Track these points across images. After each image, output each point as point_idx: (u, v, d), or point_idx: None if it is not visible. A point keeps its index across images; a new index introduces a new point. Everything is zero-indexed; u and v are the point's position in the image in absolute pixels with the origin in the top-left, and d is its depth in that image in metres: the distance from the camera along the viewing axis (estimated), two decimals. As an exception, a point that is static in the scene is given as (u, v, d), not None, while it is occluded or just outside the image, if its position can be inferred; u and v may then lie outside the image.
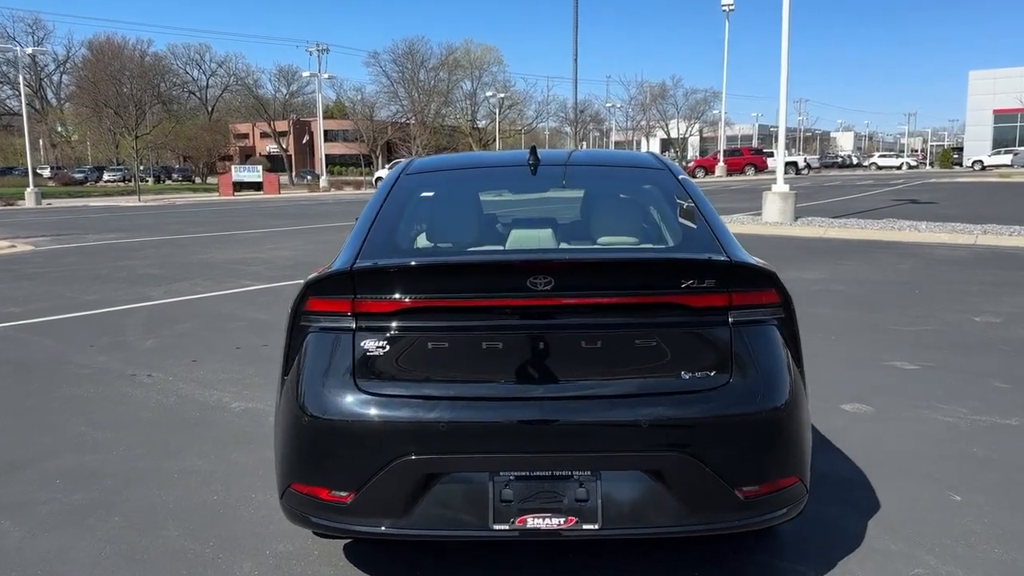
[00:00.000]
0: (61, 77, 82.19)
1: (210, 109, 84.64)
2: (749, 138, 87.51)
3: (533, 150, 3.68)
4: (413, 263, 2.78)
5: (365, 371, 2.67)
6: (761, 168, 54.84)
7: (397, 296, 2.66)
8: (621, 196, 3.82)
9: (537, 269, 2.62)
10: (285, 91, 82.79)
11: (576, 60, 37.95)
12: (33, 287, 11.05)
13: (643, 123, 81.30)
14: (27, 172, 41.26)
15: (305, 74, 64.13)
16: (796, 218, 18.04)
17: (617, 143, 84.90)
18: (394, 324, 2.67)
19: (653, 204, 3.61)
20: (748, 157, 57.61)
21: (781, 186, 18.60)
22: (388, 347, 2.66)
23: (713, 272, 2.68)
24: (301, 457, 2.72)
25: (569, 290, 2.63)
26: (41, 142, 75.67)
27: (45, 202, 38.46)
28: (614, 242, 3.37)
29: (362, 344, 2.67)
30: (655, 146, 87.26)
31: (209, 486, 4.01)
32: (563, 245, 3.57)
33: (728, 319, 2.67)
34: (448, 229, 3.44)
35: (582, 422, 2.56)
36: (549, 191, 3.83)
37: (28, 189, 38.21)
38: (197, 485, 4.05)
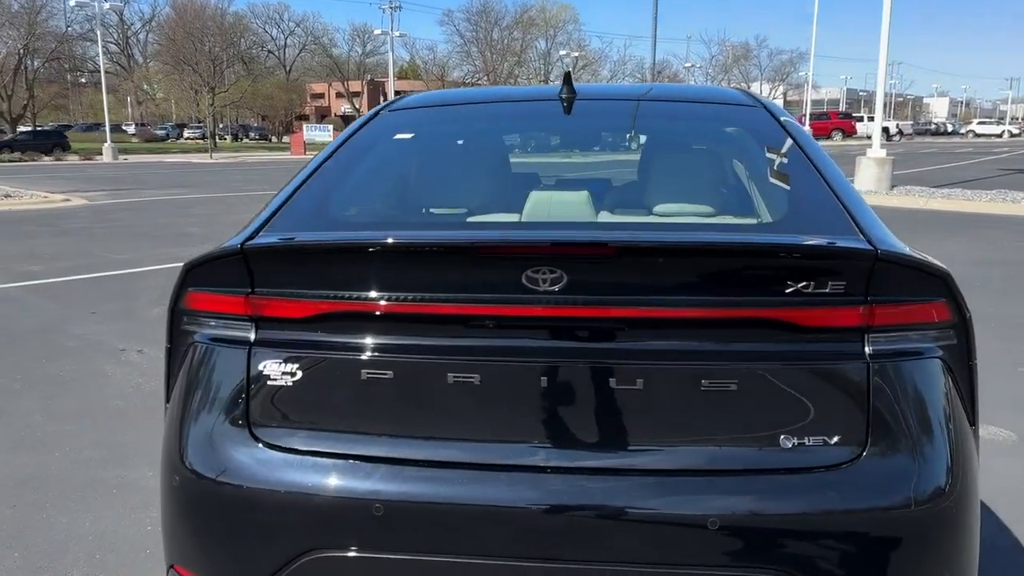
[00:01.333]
0: (147, 35, 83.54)
1: (288, 68, 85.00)
2: (836, 102, 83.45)
3: (567, 79, 2.57)
4: (339, 240, 1.77)
5: (264, 410, 1.70)
6: (849, 133, 52.10)
7: (314, 294, 1.67)
8: (693, 146, 2.71)
9: (537, 256, 1.58)
10: (360, 51, 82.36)
11: (656, 17, 35.97)
12: (67, 243, 10.57)
13: (724, 84, 78.05)
14: (113, 128, 41.88)
15: (377, 32, 63.38)
16: (892, 187, 16.38)
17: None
18: (309, 338, 1.68)
19: (741, 157, 2.47)
20: (836, 121, 54.93)
21: (877, 151, 16.91)
22: (300, 375, 1.68)
23: (842, 267, 1.60)
24: (179, 530, 1.79)
25: (589, 293, 1.59)
26: (129, 99, 77.31)
27: (122, 157, 38.92)
28: (676, 212, 2.29)
29: (260, 367, 1.70)
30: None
31: (149, 511, 3.14)
32: (604, 217, 2.47)
33: (865, 348, 1.61)
34: (426, 189, 2.40)
35: (611, 514, 1.56)
36: (586, 139, 2.73)
37: (105, 144, 38.77)
38: (135, 508, 3.18)
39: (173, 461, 1.77)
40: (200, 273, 1.75)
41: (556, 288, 1.58)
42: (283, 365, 1.68)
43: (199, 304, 1.77)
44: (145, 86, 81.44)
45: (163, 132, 68.51)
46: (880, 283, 1.60)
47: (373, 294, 1.65)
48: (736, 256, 1.63)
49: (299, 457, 1.67)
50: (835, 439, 1.60)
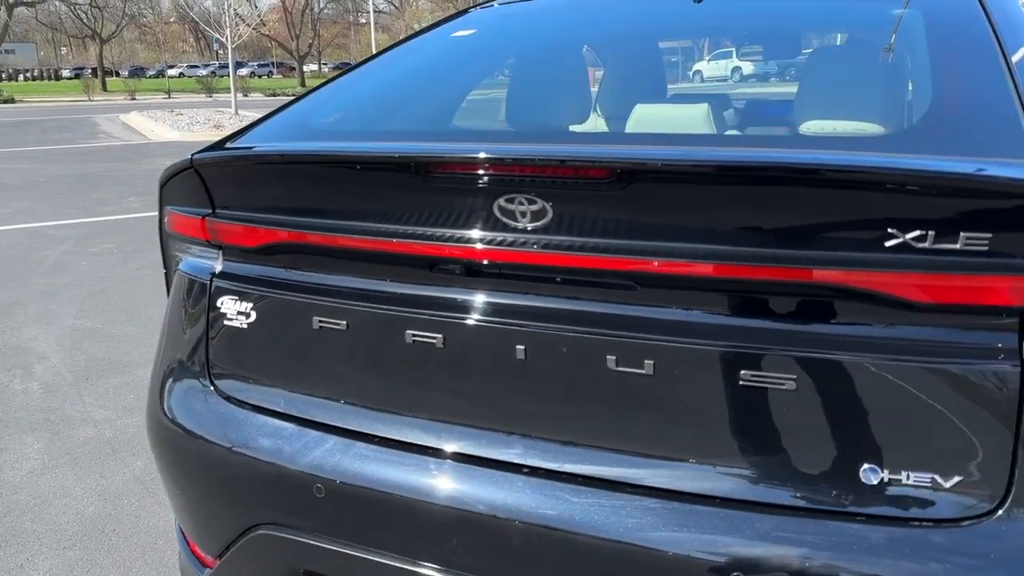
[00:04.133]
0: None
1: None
2: None
3: None
4: (281, 149, 1.44)
5: (220, 356, 1.48)
6: None
7: (264, 219, 1.37)
8: (850, 39, 2.04)
9: (506, 179, 1.16)
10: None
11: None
12: None
13: None
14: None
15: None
16: None
17: None
18: (261, 273, 1.40)
19: (907, 49, 1.77)
20: None
21: None
22: (253, 317, 1.42)
23: (981, 209, 1.03)
24: (164, 478, 1.63)
25: (579, 234, 1.15)
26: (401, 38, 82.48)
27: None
28: (815, 130, 1.71)
29: (219, 305, 1.46)
30: None
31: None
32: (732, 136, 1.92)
33: (1020, 343, 1.03)
34: (476, 100, 1.98)
35: (592, 540, 1.17)
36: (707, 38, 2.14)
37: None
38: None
39: (151, 394, 1.60)
40: (171, 190, 1.53)
41: (535, 225, 1.15)
42: (238, 303, 1.43)
43: (175, 226, 1.57)
44: (415, 24, 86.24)
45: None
46: None
47: (322, 222, 1.33)
48: (794, 185, 1.08)
49: (250, 414, 1.42)
50: (953, 480, 1.05)
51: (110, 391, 3.74)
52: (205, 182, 1.44)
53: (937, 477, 1.06)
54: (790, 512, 1.10)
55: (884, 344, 1.07)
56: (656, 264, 1.13)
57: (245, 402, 1.45)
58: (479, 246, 1.22)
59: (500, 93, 2.24)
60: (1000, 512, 1.04)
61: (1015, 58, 1.32)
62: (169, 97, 36.91)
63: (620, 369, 1.17)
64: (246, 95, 29.76)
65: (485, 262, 1.23)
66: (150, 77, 62.87)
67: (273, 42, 61.71)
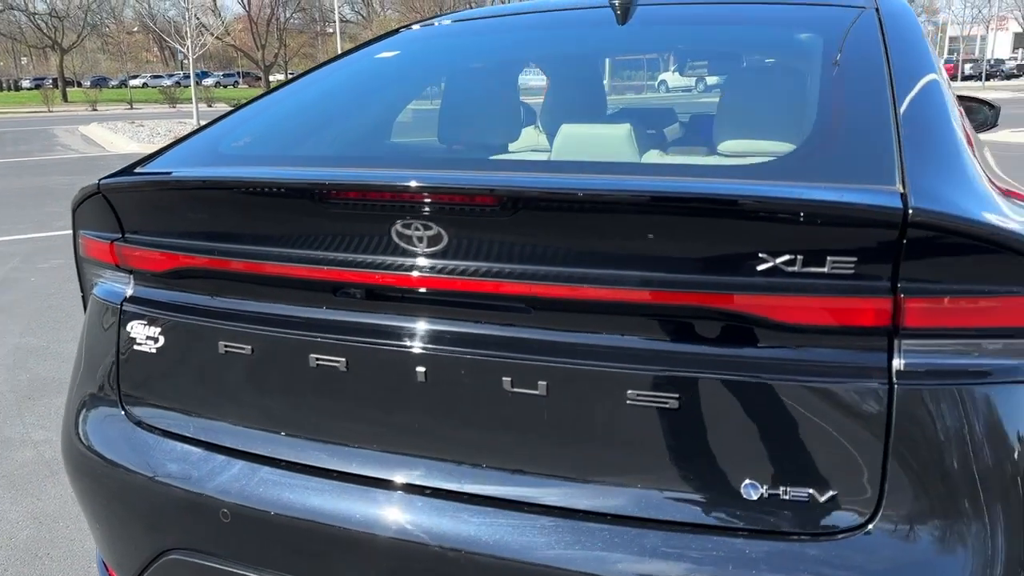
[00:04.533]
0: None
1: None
2: None
3: None
4: (182, 175, 1.46)
5: (131, 381, 1.48)
6: None
7: (170, 243, 1.38)
8: (768, 61, 2.09)
9: (401, 205, 1.18)
10: None
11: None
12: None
13: (989, 13, 68.28)
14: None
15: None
16: None
17: (952, 38, 72.55)
18: (169, 298, 1.41)
19: (807, 73, 1.83)
20: None
21: None
22: (162, 342, 1.42)
23: (849, 234, 1.07)
24: (81, 504, 1.63)
25: (474, 259, 1.18)
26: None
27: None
28: (734, 150, 1.77)
29: (129, 330, 1.46)
30: (1006, 41, 73.41)
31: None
32: (651, 158, 1.97)
33: (890, 362, 1.09)
34: (395, 120, 2.00)
35: (491, 558, 1.19)
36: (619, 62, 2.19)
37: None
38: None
39: (66, 415, 1.59)
40: (83, 214, 1.54)
41: (431, 250, 1.17)
42: (148, 328, 1.44)
43: (88, 251, 1.57)
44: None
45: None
46: (918, 262, 1.03)
47: (226, 247, 1.34)
48: (666, 213, 1.11)
49: (160, 439, 1.42)
50: (828, 495, 1.09)
51: (52, 411, 3.69)
52: (113, 207, 1.45)
53: (814, 492, 1.10)
54: (677, 528, 1.13)
55: (762, 364, 1.11)
56: (545, 288, 1.16)
57: (155, 427, 1.45)
58: (379, 271, 1.24)
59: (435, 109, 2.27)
60: (872, 525, 1.08)
61: (901, 86, 1.37)
62: (131, 108, 36.44)
63: (516, 390, 1.20)
64: (210, 105, 29.48)
65: (385, 286, 1.25)
66: (113, 87, 62.03)
67: (239, 52, 61.27)
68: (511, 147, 2.25)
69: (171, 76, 63.26)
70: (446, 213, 1.17)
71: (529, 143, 2.46)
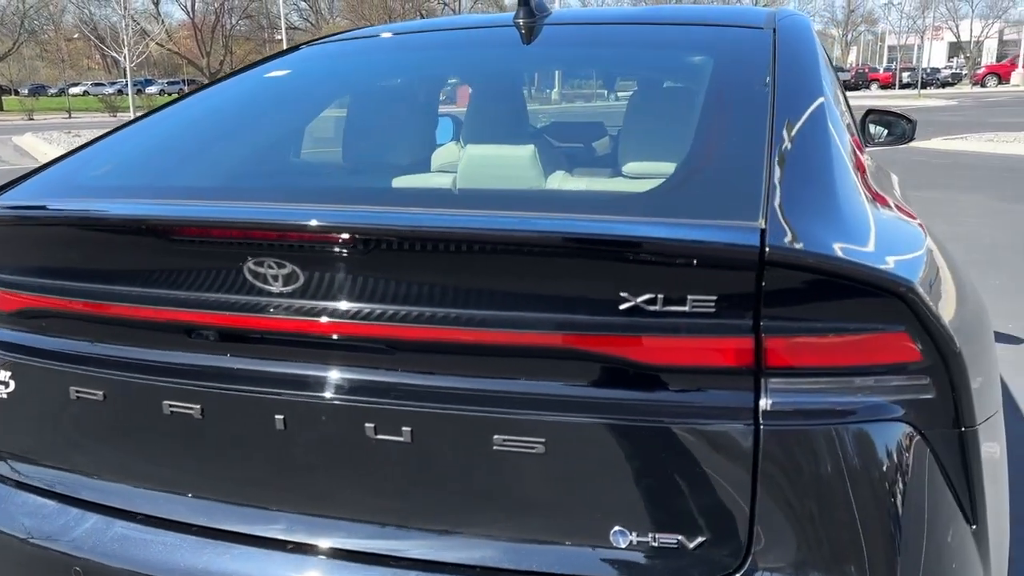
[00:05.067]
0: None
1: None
2: (1065, 40, 73.09)
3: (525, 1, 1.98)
4: (20, 212, 1.37)
5: None
6: (1076, 76, 45.51)
7: (18, 281, 1.29)
8: (667, 86, 2.08)
9: (253, 243, 1.12)
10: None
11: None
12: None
13: (925, 23, 70.48)
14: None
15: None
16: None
17: (890, 47, 74.63)
18: (19, 340, 1.32)
19: (699, 97, 1.81)
20: (1058, 63, 48.17)
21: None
22: (14, 387, 1.32)
23: (705, 273, 1.03)
24: None
25: (331, 299, 1.11)
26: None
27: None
28: (637, 172, 1.75)
29: None
30: (941, 50, 75.71)
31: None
32: (556, 182, 1.92)
33: (757, 403, 1.05)
34: (281, 144, 1.93)
35: None
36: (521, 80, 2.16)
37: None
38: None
39: None
40: None
41: (287, 289, 1.10)
42: (2, 372, 1.32)
43: None
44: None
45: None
46: (778, 300, 1.00)
47: (73, 287, 1.25)
48: (528, 254, 1.07)
49: (12, 490, 1.34)
50: (697, 540, 1.04)
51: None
52: None
53: (683, 539, 1.06)
54: None
55: (628, 407, 1.07)
56: (405, 330, 1.10)
57: (7, 478, 1.36)
58: (232, 312, 1.17)
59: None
60: (742, 571, 1.04)
61: (781, 114, 1.35)
62: (70, 117, 35.41)
63: (379, 437, 1.14)
64: (152, 114, 28.73)
65: (239, 328, 1.18)
66: (52, 95, 60.29)
67: (184, 59, 60.07)
68: (434, 163, 2.19)
69: (113, 84, 61.66)
70: (298, 251, 1.11)
71: (451, 159, 2.41)
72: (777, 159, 1.22)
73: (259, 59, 2.06)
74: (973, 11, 70.57)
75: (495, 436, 1.09)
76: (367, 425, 1.13)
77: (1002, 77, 48.05)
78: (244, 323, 1.16)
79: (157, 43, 27.09)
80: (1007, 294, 4.96)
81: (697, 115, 1.51)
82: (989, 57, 72.16)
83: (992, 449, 1.16)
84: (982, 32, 71.93)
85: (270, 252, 1.11)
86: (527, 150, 1.97)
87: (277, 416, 1.16)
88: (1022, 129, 16.08)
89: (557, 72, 2.25)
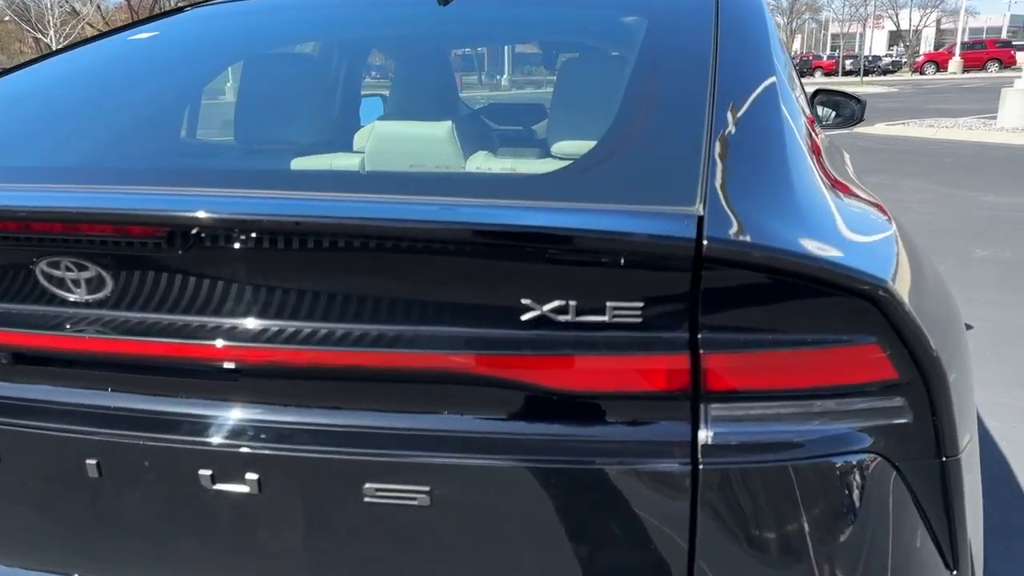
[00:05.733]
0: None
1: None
2: (998, 30, 75.39)
3: None
4: None
5: None
6: (1008, 64, 46.89)
7: None
8: (599, 53, 1.86)
9: (47, 238, 0.84)
10: None
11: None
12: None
13: (866, 12, 71.83)
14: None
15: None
16: (1043, 123, 14.15)
17: (834, 35, 75.94)
18: None
19: (631, 64, 1.59)
20: (992, 51, 49.61)
21: (1025, 82, 14.61)
22: None
23: (628, 275, 0.78)
24: None
25: (150, 310, 0.85)
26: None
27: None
28: (566, 152, 1.53)
29: None
30: (882, 38, 77.56)
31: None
32: (476, 162, 1.69)
33: (695, 436, 0.82)
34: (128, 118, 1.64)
35: None
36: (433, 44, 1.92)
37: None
38: None
39: None
40: None
41: (92, 298, 0.84)
42: None
43: None
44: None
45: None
46: (719, 305, 0.77)
47: None
48: (403, 250, 0.82)
49: None
50: None
51: None
52: None
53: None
54: None
55: (532, 445, 0.84)
56: (241, 351, 0.85)
57: None
58: (24, 328, 0.90)
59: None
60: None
61: (724, 85, 1.12)
62: None
63: (217, 487, 0.88)
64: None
65: (36, 348, 0.91)
66: (-21, 79, 57.65)
67: (119, 42, 57.99)
68: (357, 143, 1.94)
69: (45, 68, 59.26)
70: (101, 248, 0.85)
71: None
72: (719, 135, 0.99)
73: (123, 24, 1.78)
74: (912, 0, 72.21)
75: (366, 485, 0.84)
76: (202, 473, 0.88)
77: (940, 65, 49.35)
78: (39, 342, 0.89)
79: (88, 23, 25.91)
80: (954, 279, 4.89)
81: (625, 87, 1.28)
82: (928, 46, 74.09)
83: (973, 480, 0.96)
84: (921, 21, 73.72)
85: (66, 249, 0.85)
86: (443, 127, 1.72)
87: (88, 461, 0.90)
88: (960, 115, 16.35)
89: (505, 49, 2.04)
